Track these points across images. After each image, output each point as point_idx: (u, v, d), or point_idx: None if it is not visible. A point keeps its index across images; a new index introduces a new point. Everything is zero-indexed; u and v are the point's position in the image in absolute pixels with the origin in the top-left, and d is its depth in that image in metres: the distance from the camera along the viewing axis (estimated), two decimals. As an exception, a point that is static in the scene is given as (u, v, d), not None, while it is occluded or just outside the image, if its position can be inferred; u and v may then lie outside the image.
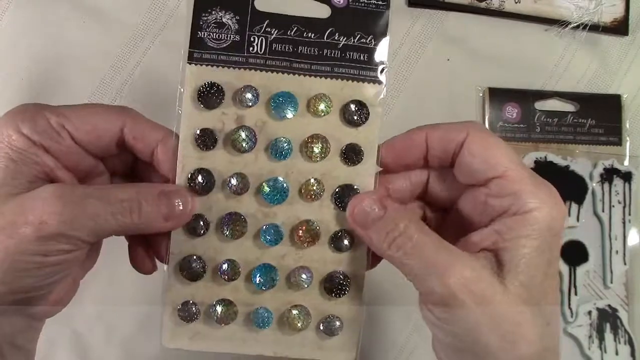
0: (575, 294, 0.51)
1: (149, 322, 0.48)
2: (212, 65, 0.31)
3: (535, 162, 0.52)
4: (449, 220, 0.33)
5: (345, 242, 0.31)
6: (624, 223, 0.52)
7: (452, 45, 0.53)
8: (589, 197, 0.52)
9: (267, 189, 0.31)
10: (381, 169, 0.32)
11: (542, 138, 0.53)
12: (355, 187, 0.31)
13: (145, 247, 0.33)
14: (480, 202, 0.30)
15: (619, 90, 0.54)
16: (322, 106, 0.31)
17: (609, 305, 0.51)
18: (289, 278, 0.32)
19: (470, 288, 0.27)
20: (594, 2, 0.53)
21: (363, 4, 0.31)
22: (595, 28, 0.53)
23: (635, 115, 0.54)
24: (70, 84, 0.49)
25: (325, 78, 0.31)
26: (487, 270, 0.27)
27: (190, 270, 0.31)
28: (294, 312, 0.32)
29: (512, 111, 0.53)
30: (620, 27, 0.54)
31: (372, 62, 0.31)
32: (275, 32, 0.31)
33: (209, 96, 0.31)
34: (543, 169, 0.52)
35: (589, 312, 0.51)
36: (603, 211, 0.52)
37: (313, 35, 0.31)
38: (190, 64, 0.31)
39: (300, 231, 0.31)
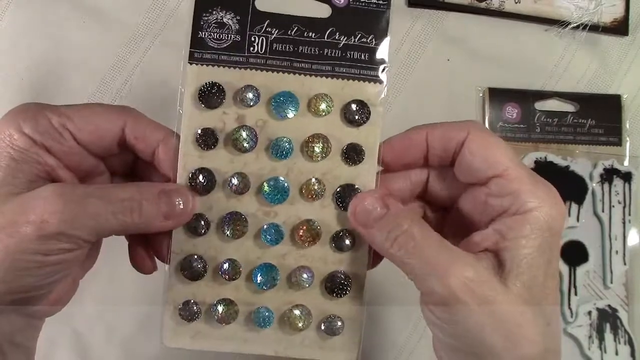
0: (575, 294, 0.51)
1: (149, 322, 0.48)
2: (213, 65, 0.31)
3: (535, 162, 0.52)
4: (449, 219, 0.33)
5: (347, 241, 0.31)
6: (624, 223, 0.52)
7: (452, 45, 0.53)
8: (589, 197, 0.52)
9: (267, 188, 0.31)
10: (382, 168, 0.32)
11: (542, 138, 0.53)
12: (356, 186, 0.31)
13: (145, 247, 0.33)
14: (480, 201, 0.30)
15: (619, 90, 0.54)
16: (323, 106, 0.31)
17: (609, 306, 0.51)
18: (290, 278, 0.32)
19: (472, 288, 0.26)
20: (594, 2, 0.53)
21: (364, 4, 0.31)
22: (595, 28, 0.53)
23: (635, 115, 0.54)
24: (71, 84, 0.49)
25: (326, 78, 0.31)
26: (489, 271, 0.27)
27: (191, 270, 0.31)
28: (295, 311, 0.32)
29: (512, 111, 0.53)
30: (620, 27, 0.54)
31: (373, 62, 0.31)
32: (276, 31, 0.31)
33: (210, 96, 0.31)
34: (543, 169, 0.52)
35: (589, 312, 0.51)
36: (603, 211, 0.52)
37: (314, 35, 0.31)
38: (191, 63, 0.31)
39: (301, 231, 0.31)
